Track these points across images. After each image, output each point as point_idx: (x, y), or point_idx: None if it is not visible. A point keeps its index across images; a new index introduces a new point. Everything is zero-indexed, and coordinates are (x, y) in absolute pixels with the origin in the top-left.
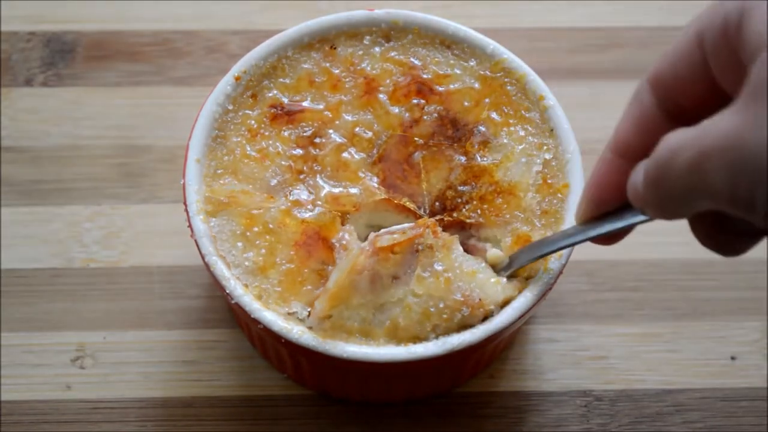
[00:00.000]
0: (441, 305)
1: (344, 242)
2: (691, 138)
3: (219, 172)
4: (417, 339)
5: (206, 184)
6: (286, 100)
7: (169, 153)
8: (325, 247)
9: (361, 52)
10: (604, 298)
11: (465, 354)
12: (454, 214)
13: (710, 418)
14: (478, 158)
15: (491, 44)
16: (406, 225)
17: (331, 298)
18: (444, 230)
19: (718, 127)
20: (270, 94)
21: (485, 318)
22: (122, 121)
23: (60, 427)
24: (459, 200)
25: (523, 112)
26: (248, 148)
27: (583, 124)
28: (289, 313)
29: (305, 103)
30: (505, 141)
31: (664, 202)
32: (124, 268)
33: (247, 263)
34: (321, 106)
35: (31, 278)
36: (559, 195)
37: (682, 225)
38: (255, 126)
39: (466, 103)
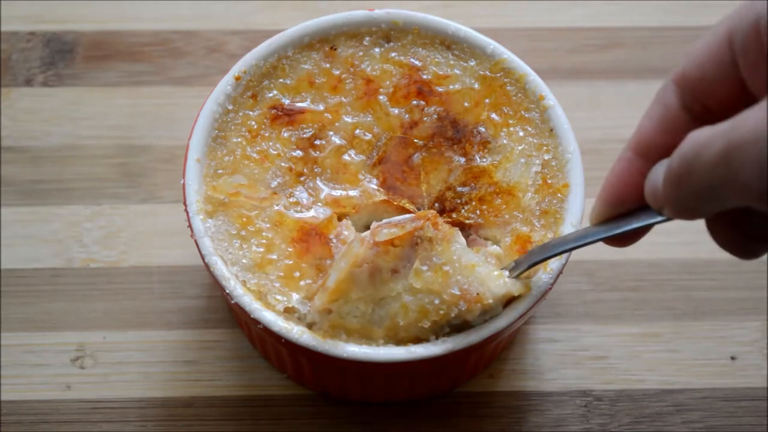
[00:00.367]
0: (437, 301)
1: (342, 237)
2: (720, 132)
3: (219, 172)
4: (417, 339)
5: (206, 184)
6: (286, 101)
7: (169, 153)
8: (323, 242)
9: (361, 53)
10: (604, 298)
11: (465, 354)
12: (454, 215)
13: (710, 418)
14: (478, 159)
15: (491, 44)
16: (406, 216)
17: (332, 292)
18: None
19: (749, 120)
20: (270, 95)
21: (485, 312)
22: (122, 121)
23: (60, 427)
24: (458, 201)
25: (523, 112)
26: (248, 149)
27: (583, 124)
28: (288, 307)
29: (305, 104)
30: (504, 142)
31: (686, 200)
32: (124, 268)
33: (244, 260)
34: (321, 108)
35: (31, 278)
36: (559, 195)
37: (682, 225)
38: (255, 127)
39: (466, 104)
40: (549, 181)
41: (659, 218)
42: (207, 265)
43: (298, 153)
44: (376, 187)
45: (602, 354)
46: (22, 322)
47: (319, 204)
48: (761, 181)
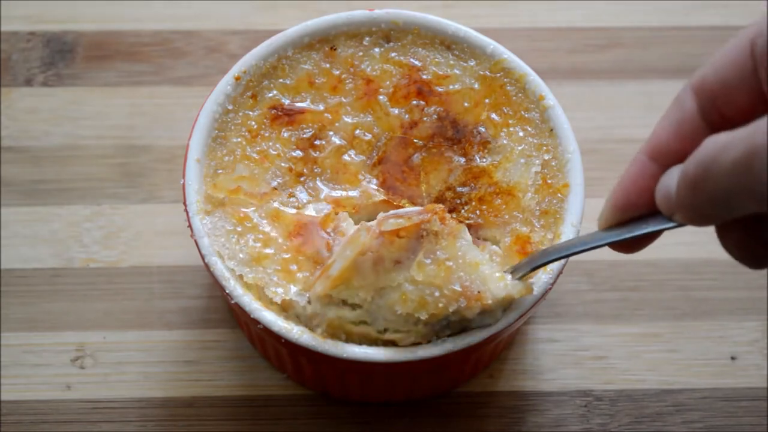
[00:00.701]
0: (437, 294)
1: (340, 229)
2: (740, 137)
3: (219, 172)
4: (413, 341)
5: (206, 184)
6: (286, 101)
7: (169, 153)
8: (320, 235)
9: (361, 53)
10: (604, 298)
11: (465, 354)
12: (454, 216)
13: (710, 418)
14: (478, 159)
15: (491, 44)
16: (414, 209)
17: (335, 279)
18: None
19: None
20: (270, 95)
21: (484, 313)
22: (122, 121)
23: (60, 427)
24: (458, 201)
25: (522, 112)
26: (248, 149)
27: (583, 124)
28: (285, 300)
29: (305, 104)
30: (504, 142)
31: (701, 205)
32: (124, 268)
33: (241, 255)
34: (321, 108)
35: (31, 278)
36: (559, 195)
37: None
38: (255, 127)
39: (465, 104)
40: (549, 181)
41: (669, 224)
42: (207, 265)
43: (298, 153)
44: (375, 187)
45: (602, 354)
46: (22, 322)
47: (319, 202)
48: None
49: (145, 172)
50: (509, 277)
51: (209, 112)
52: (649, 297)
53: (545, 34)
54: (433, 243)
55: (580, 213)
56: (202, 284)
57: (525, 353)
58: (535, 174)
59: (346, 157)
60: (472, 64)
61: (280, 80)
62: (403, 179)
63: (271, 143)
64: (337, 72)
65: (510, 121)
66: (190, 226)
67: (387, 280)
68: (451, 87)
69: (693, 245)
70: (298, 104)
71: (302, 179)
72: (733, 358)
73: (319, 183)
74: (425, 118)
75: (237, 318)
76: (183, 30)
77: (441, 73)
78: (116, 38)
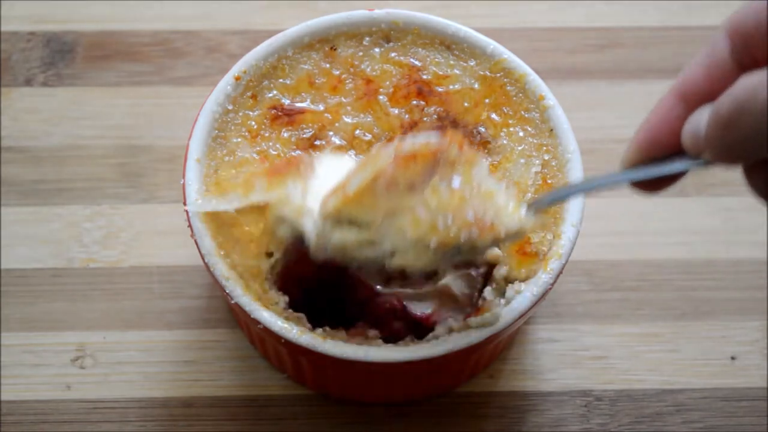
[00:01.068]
0: (449, 220)
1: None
2: None
3: (219, 172)
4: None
5: (206, 184)
6: (286, 101)
7: (169, 153)
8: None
9: (361, 53)
10: (604, 298)
11: (465, 354)
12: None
13: (710, 418)
14: None
15: (491, 44)
16: (432, 134)
17: (350, 196)
18: None
19: None
20: (270, 95)
21: (494, 242)
22: (122, 121)
23: (60, 427)
24: None
25: (522, 112)
26: (249, 150)
27: (583, 124)
28: (276, 303)
29: (305, 104)
30: (504, 142)
31: (732, 144)
32: (124, 268)
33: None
34: (321, 108)
35: (31, 278)
36: None
37: (682, 225)
38: (255, 127)
39: (465, 104)
40: (549, 181)
41: (694, 164)
42: (207, 265)
43: (298, 153)
44: None
45: (602, 354)
46: (22, 322)
47: None
48: None
49: (145, 172)
50: (524, 210)
51: (209, 112)
52: (650, 297)
53: (545, 34)
54: (450, 170)
55: (581, 213)
56: (202, 284)
57: (525, 353)
58: (535, 174)
59: None
60: (472, 64)
61: (280, 80)
62: None
63: (271, 143)
64: (337, 72)
65: (510, 121)
66: (190, 226)
67: (398, 203)
68: (451, 87)
69: (693, 245)
70: (298, 104)
71: None
72: (733, 358)
73: None
74: (425, 118)
75: (237, 318)
76: (183, 30)
77: (441, 73)
78: (116, 38)
